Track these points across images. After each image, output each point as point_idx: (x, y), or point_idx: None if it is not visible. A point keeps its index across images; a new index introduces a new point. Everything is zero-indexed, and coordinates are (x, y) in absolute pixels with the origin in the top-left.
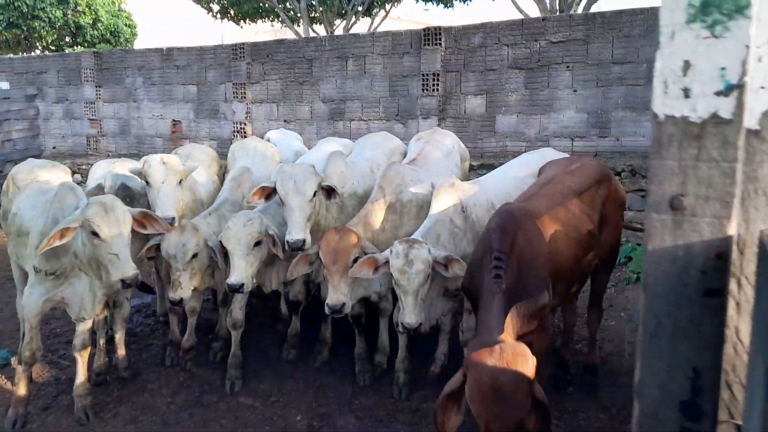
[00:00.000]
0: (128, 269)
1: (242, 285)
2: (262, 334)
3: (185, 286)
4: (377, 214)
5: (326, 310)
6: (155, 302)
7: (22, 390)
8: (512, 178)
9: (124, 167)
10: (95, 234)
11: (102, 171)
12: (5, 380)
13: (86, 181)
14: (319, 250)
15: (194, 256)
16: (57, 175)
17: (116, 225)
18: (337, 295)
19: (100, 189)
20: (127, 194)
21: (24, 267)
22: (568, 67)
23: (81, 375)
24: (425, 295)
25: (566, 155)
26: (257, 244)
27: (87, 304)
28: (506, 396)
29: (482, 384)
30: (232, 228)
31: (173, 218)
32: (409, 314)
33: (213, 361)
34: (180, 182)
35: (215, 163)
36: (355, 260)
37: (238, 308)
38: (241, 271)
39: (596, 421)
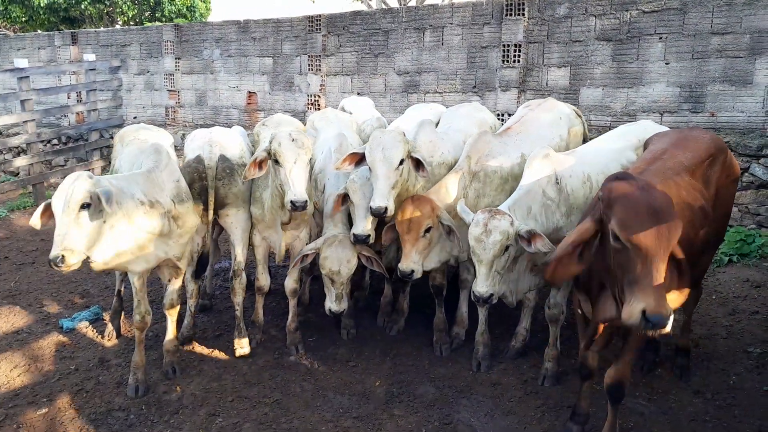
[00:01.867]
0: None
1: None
2: None
3: (390, 196)
4: (459, 182)
5: (398, 274)
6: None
7: (137, 356)
8: (610, 151)
9: (222, 137)
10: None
11: (200, 141)
12: (96, 334)
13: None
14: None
15: (401, 162)
16: (158, 135)
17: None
18: (407, 262)
19: (199, 161)
20: (227, 165)
21: None
22: (660, 38)
23: (170, 332)
24: (502, 267)
25: (666, 128)
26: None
27: (183, 261)
28: (665, 213)
29: (638, 205)
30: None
31: (306, 201)
32: (481, 284)
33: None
34: (310, 161)
35: None
36: (428, 230)
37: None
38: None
39: (689, 405)
